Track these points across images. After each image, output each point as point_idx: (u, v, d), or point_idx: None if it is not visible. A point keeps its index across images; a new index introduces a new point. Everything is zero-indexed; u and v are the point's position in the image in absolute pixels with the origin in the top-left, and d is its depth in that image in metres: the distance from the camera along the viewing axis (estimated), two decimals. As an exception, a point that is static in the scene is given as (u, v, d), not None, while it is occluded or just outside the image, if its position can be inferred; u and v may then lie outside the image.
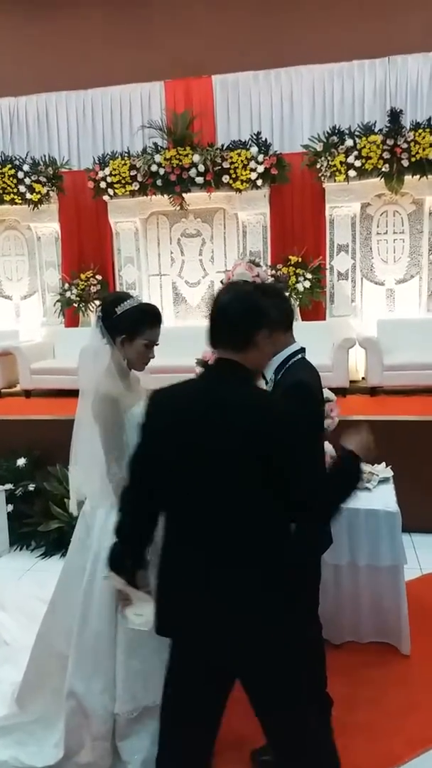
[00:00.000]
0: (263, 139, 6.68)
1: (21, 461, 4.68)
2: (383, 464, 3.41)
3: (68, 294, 7.22)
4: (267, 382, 2.36)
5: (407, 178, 6.42)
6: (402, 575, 2.99)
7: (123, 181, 6.82)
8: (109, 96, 7.58)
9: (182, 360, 6.54)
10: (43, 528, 4.34)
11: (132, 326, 2.33)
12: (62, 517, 4.30)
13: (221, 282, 3.11)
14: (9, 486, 4.55)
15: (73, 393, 6.58)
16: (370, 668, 2.93)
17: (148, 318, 2.37)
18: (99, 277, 7.29)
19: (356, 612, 3.04)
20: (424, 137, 6.25)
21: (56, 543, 4.32)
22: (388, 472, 3.34)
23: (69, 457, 4.68)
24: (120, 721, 2.29)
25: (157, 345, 2.41)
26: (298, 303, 6.79)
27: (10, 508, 4.50)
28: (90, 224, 7.39)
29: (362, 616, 3.05)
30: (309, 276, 6.79)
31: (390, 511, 3.00)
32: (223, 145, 6.74)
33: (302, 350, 2.34)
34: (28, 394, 6.79)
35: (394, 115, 6.36)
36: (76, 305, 7.20)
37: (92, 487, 2.46)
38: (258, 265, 3.19)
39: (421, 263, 6.86)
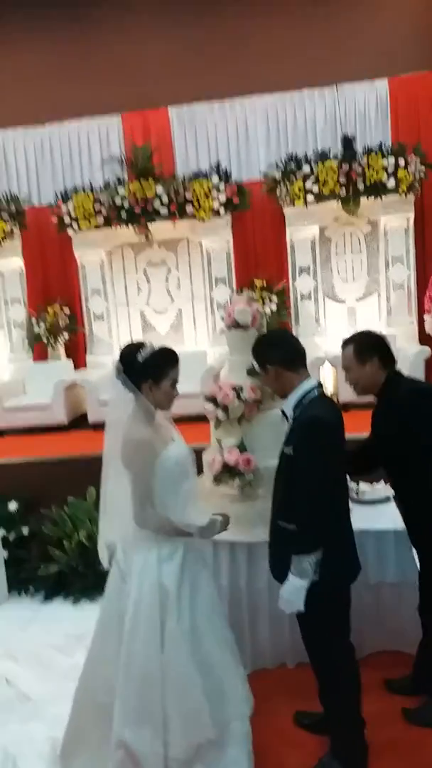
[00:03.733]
0: (223, 168, 6.85)
1: (13, 506, 4.62)
2: (382, 482, 3.55)
3: (36, 329, 7.17)
4: (287, 419, 2.48)
5: (362, 200, 6.69)
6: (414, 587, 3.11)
7: (87, 215, 6.86)
8: (67, 131, 7.60)
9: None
10: (43, 572, 4.29)
11: (157, 369, 2.42)
12: (61, 560, 4.27)
13: (222, 318, 3.22)
14: (1, 532, 4.48)
15: (48, 429, 6.55)
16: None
17: (170, 359, 2.47)
18: (67, 310, 7.28)
19: (372, 627, 3.15)
20: (376, 161, 6.54)
21: (56, 586, 4.28)
22: (389, 491, 3.46)
23: (63, 498, 4.68)
24: (173, 766, 2.32)
25: (178, 383, 2.50)
26: (265, 326, 6.95)
27: (5, 554, 4.43)
28: (54, 258, 7.42)
29: (377, 630, 3.17)
30: (274, 299, 6.97)
31: (398, 530, 3.12)
32: (184, 176, 6.88)
33: (318, 386, 2.46)
34: (0, 433, 6.68)
35: (348, 142, 6.64)
36: (45, 339, 7.15)
37: (124, 531, 2.49)
38: (255, 300, 3.29)
39: (379, 280, 7.13)
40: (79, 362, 7.34)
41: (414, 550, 2.94)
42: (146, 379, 2.40)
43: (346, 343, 2.74)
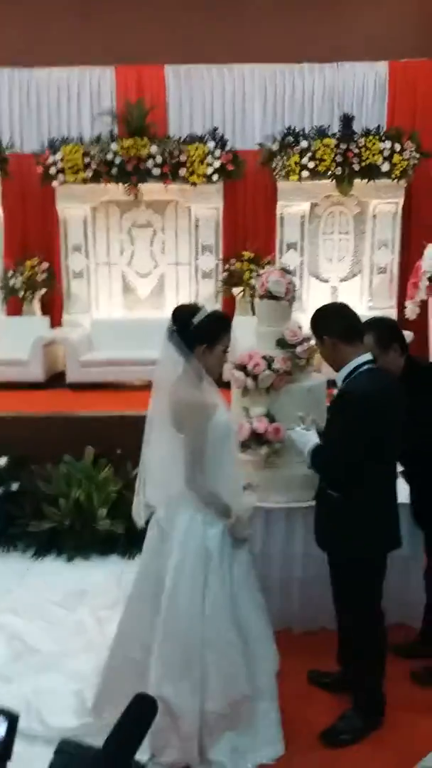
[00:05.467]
0: (220, 135, 6.74)
1: (2, 461, 4.51)
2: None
3: (12, 282, 6.92)
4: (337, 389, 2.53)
5: (355, 181, 6.75)
6: (422, 562, 3.24)
7: (75, 168, 6.62)
8: (56, 78, 7.25)
9: (133, 352, 6.53)
10: (35, 528, 4.21)
11: (212, 334, 2.41)
12: (55, 517, 4.21)
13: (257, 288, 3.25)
14: (-10, 486, 4.37)
15: (24, 386, 6.35)
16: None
17: (225, 325, 2.46)
18: (46, 264, 7.05)
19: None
20: (374, 144, 6.60)
21: (49, 543, 4.21)
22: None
23: (56, 456, 4.60)
24: (210, 718, 2.37)
25: (229, 350, 2.49)
26: (250, 298, 6.96)
27: (-6, 509, 4.33)
28: (35, 210, 7.16)
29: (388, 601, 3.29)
30: (261, 272, 6.96)
31: (406, 503, 3.22)
32: (180, 138, 6.74)
33: (370, 361, 2.50)
34: (-26, 387, 6.44)
35: (347, 121, 6.67)
36: (21, 294, 6.91)
37: (169, 492, 2.47)
38: (289, 272, 3.32)
39: (363, 262, 7.24)
40: (54, 319, 7.15)
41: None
42: (200, 343, 2.38)
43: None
